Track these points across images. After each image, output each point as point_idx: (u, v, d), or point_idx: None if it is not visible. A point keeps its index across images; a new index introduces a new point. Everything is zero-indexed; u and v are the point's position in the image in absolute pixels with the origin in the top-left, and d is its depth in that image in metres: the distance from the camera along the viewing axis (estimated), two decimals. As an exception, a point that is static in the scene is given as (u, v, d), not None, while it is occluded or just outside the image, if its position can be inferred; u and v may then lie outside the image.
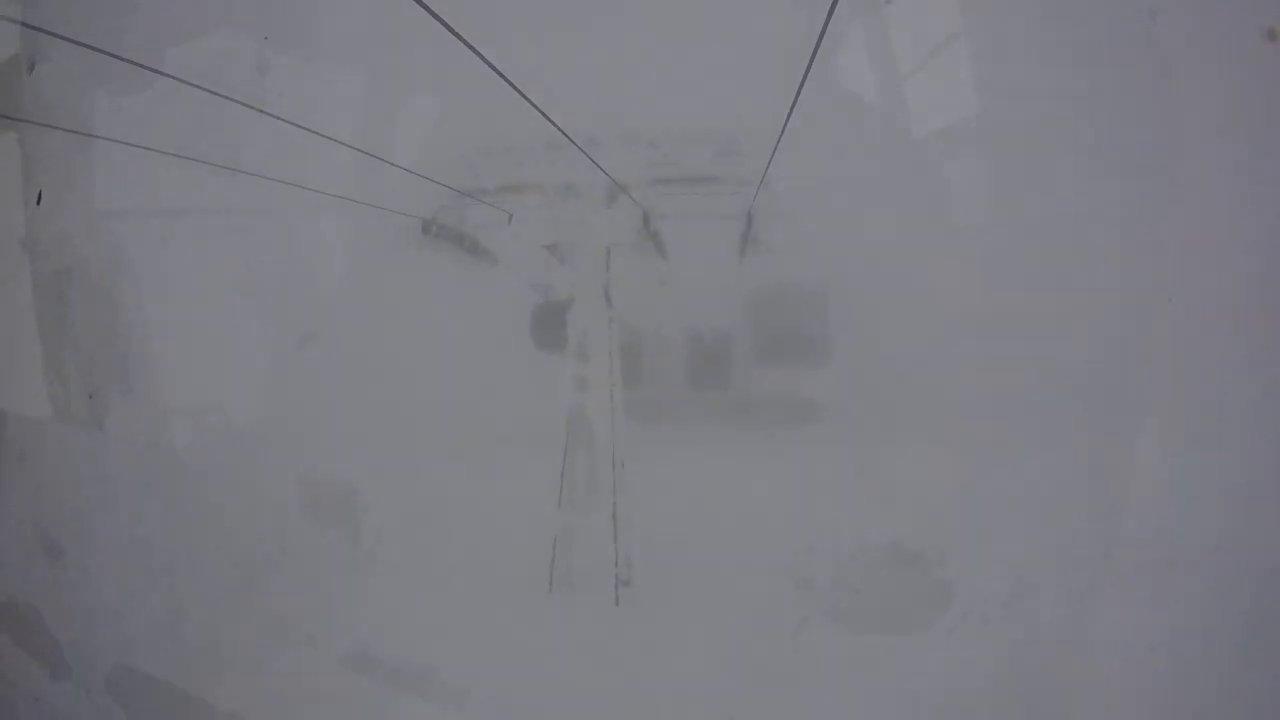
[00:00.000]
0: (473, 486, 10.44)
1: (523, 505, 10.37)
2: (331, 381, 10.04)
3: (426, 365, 10.31)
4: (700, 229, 10.49)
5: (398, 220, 10.35)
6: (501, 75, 5.37)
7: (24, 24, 9.52)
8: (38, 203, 9.74)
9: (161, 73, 7.84)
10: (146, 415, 9.88)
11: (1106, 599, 8.67)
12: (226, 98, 7.92)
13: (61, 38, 8.64)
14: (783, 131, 7.25)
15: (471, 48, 4.89)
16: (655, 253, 10.89)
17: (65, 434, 9.56)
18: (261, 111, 8.37)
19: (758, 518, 10.79)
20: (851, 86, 10.17)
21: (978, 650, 9.10)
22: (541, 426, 10.40)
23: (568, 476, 10.17)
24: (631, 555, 10.64)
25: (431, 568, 10.13)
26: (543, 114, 6.81)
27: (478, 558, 10.33)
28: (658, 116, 10.36)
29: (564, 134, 7.66)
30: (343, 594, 9.76)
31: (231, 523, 9.80)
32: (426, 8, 3.90)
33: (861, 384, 11.91)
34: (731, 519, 10.72)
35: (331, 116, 10.26)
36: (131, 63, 7.03)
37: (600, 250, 10.33)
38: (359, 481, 9.94)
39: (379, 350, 10.11)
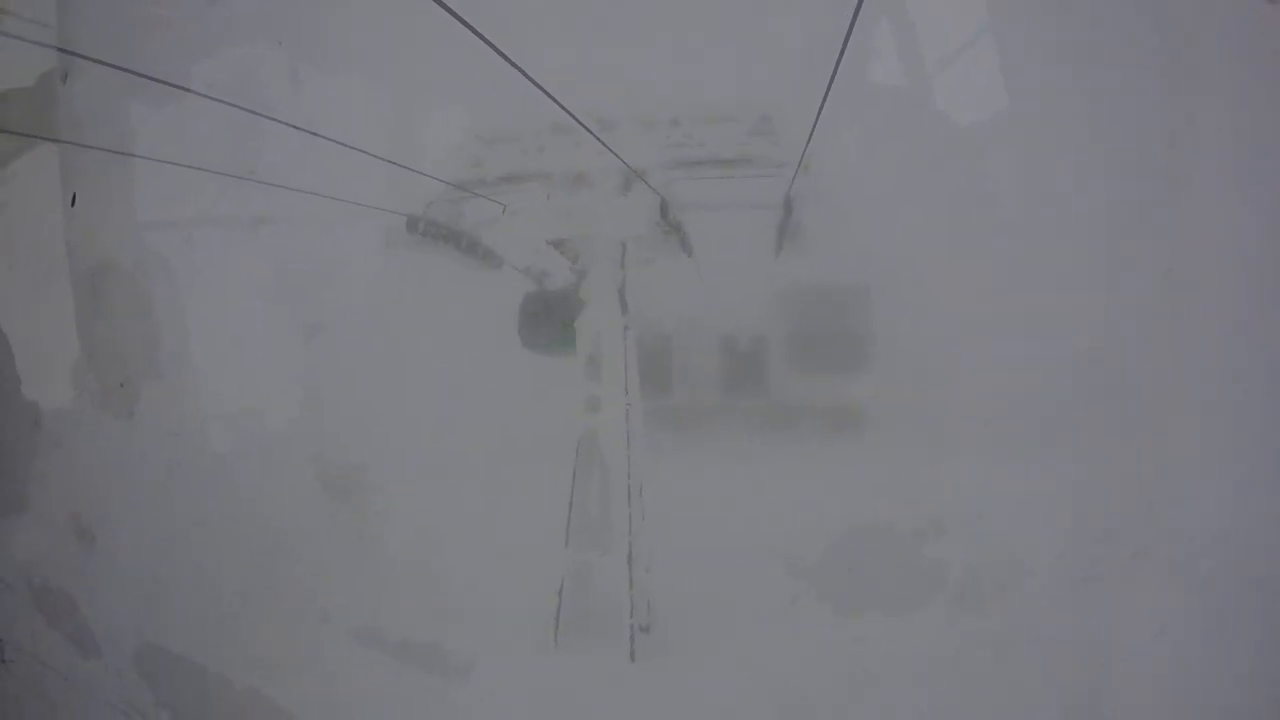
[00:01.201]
0: (470, 523, 9.96)
1: (525, 543, 9.64)
2: (337, 376, 10.22)
3: (414, 375, 10.33)
4: (731, 219, 9.57)
5: (387, 219, 9.66)
6: (495, 49, 4.74)
7: (59, 49, 10.08)
8: (72, 204, 10.34)
9: (177, 86, 8.27)
10: (174, 403, 10.31)
11: (1116, 584, 8.76)
12: (242, 108, 8.27)
13: (89, 59, 9.21)
14: (822, 106, 6.25)
15: (461, 20, 4.37)
16: (679, 248, 9.94)
17: (98, 422, 10.06)
18: (290, 125, 8.63)
19: (799, 545, 10.27)
20: (897, 57, 9.52)
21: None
22: (546, 451, 9.56)
23: (577, 510, 9.20)
24: (652, 597, 9.70)
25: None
26: (544, 91, 5.98)
27: (474, 607, 9.75)
28: (680, 92, 9.51)
29: (569, 113, 6.78)
30: (354, 572, 9.96)
31: (252, 506, 10.15)
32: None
33: (908, 389, 11.75)
34: (770, 548, 10.19)
35: (322, 108, 10.11)
36: (152, 79, 7.60)
37: (615, 246, 9.37)
38: (371, 467, 10.07)
39: (371, 351, 10.15)
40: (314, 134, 8.73)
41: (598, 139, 7.79)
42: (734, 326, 16.80)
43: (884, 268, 11.17)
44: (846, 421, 14.66)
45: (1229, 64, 8.55)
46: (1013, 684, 8.98)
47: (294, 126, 8.67)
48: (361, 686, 9.86)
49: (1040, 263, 9.79)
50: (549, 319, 9.70)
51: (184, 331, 10.37)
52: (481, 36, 4.63)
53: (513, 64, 4.86)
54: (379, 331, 10.12)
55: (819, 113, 6.64)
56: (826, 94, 5.97)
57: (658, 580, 9.51)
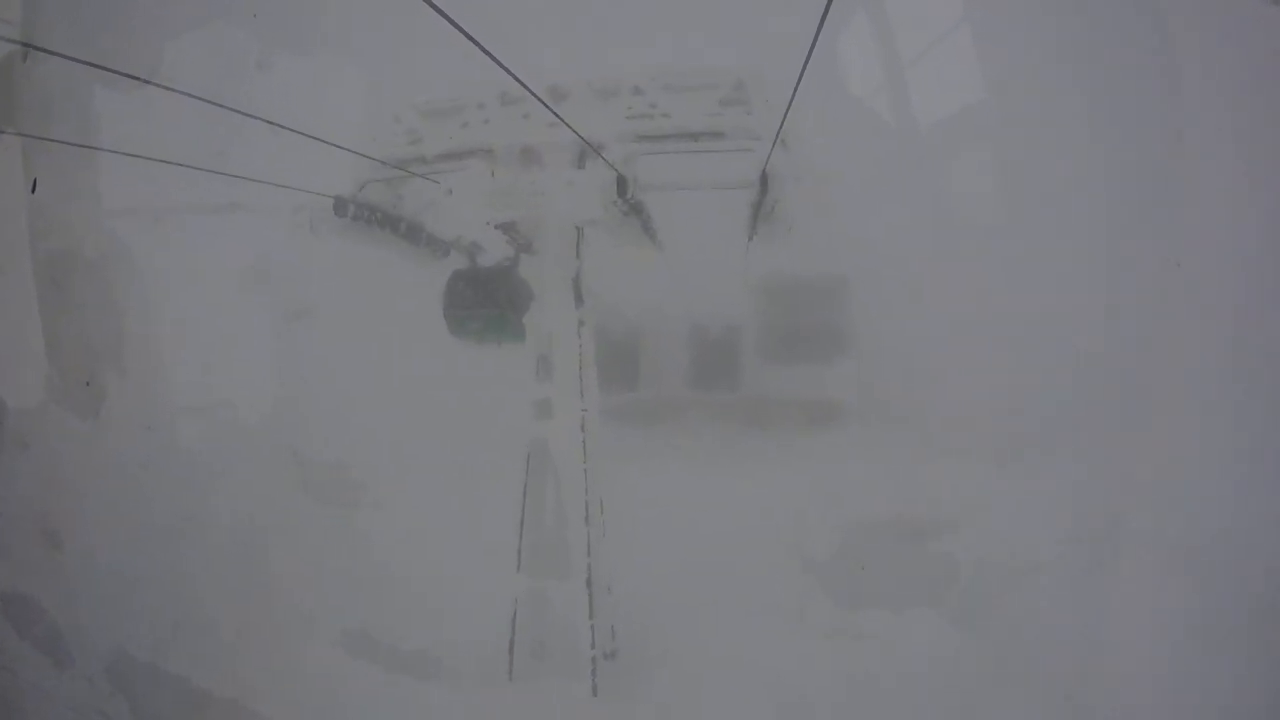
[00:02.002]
0: (417, 542, 9.43)
1: (473, 568, 8.97)
2: (314, 368, 9.94)
3: (384, 368, 9.76)
4: (699, 200, 8.81)
5: (314, 203, 8.93)
6: (434, 6, 4.02)
7: (24, 44, 9.85)
8: (32, 190, 10.05)
9: (137, 78, 7.77)
10: (142, 400, 10.03)
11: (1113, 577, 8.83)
12: (206, 101, 7.63)
13: (54, 54, 8.89)
14: (803, 72, 5.57)
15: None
16: (642, 232, 9.29)
17: (65, 421, 9.89)
18: (253, 116, 8.06)
19: (777, 554, 9.98)
20: (890, 22, 8.93)
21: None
22: (495, 462, 8.91)
23: (529, 530, 8.38)
24: (616, 621, 8.88)
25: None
26: (489, 54, 5.24)
27: (421, 639, 9.22)
28: (642, 56, 8.61)
29: (517, 79, 5.99)
30: (339, 575, 9.71)
31: (229, 506, 9.96)
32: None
33: (886, 381, 12.01)
34: (745, 559, 9.82)
35: (247, 82, 9.78)
36: (120, 73, 7.32)
37: (568, 230, 8.50)
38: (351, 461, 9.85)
39: (347, 343, 9.81)
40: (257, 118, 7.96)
41: (549, 109, 6.96)
42: (705, 315, 16.69)
43: (865, 256, 11.13)
44: (826, 416, 15.26)
45: (1229, 63, 8.56)
46: (1006, 683, 8.86)
47: (263, 119, 8.04)
48: (349, 696, 9.49)
49: (1031, 254, 9.79)
50: (480, 301, 8.95)
51: (152, 325, 10.00)
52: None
53: (454, 24, 4.15)
54: (355, 322, 9.66)
55: (799, 80, 5.91)
56: (808, 59, 5.22)
57: (622, 602, 8.85)
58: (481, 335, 8.99)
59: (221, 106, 7.85)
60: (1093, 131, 8.97)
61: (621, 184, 7.90)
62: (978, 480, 9.97)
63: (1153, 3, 8.72)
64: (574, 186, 8.10)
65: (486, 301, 8.81)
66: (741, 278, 13.28)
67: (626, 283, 11.49)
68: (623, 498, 9.08)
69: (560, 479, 8.18)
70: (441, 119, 9.44)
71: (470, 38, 4.73)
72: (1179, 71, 8.71)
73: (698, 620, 9.36)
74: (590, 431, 8.24)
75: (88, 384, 9.82)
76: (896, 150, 9.11)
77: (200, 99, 7.84)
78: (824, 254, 10.61)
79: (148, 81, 8.12)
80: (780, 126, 6.74)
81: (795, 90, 6.11)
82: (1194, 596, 8.67)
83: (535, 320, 8.35)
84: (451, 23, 4.36)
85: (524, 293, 9.44)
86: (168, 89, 7.77)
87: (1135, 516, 9.01)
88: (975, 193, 10.48)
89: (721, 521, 10.30)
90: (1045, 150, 9.13)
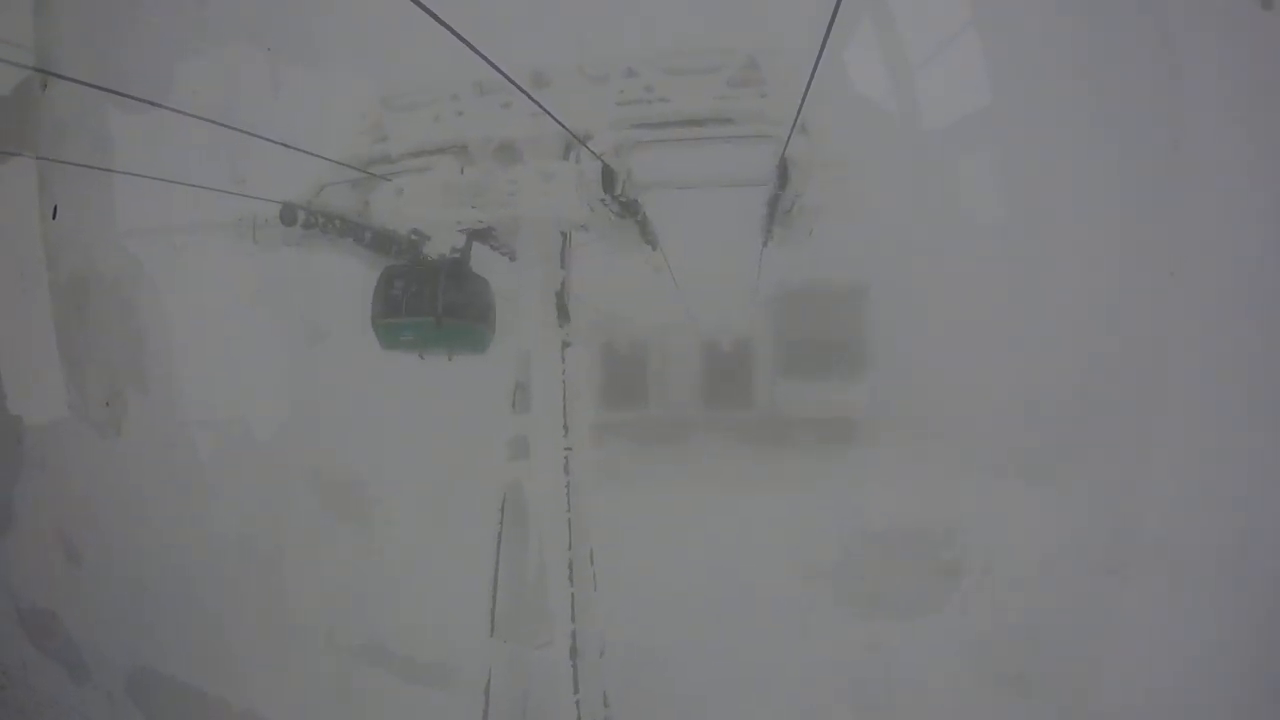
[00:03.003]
0: (386, 601, 9.43)
1: (445, 628, 8.43)
2: (334, 386, 10.34)
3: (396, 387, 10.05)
4: (706, 199, 7.80)
5: (259, 210, 8.29)
6: None
7: (36, 69, 10.20)
8: (53, 217, 10.42)
9: (148, 101, 7.79)
10: (163, 420, 10.48)
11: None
12: (210, 121, 7.55)
13: (66, 79, 8.94)
14: (824, 45, 4.65)
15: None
16: (639, 237, 8.08)
17: (84, 440, 10.24)
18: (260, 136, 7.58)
19: (793, 594, 10.36)
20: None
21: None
22: (465, 507, 8.31)
23: (504, 588, 7.12)
24: (609, 687, 7.79)
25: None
26: (457, 35, 4.40)
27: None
28: (638, 34, 7.85)
29: (492, 65, 5.08)
30: (358, 589, 10.00)
31: (248, 522, 10.29)
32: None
33: (906, 398, 13.41)
34: (759, 597, 10.09)
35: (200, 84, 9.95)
36: (127, 96, 6.74)
37: (551, 235, 7.34)
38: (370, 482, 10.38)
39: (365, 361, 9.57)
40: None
41: (529, 96, 6.02)
42: (713, 330, 16.83)
43: (888, 264, 12.41)
44: (843, 435, 14.91)
45: (1226, 67, 9.09)
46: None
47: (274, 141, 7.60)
48: (367, 708, 9.59)
49: (1056, 268, 10.70)
50: (416, 305, 7.93)
51: (172, 343, 10.45)
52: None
53: (422, 5, 3.74)
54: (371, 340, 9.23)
55: (820, 53, 4.97)
56: (828, 30, 4.30)
57: (616, 664, 7.92)
58: (420, 347, 8.07)
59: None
60: (1102, 140, 9.69)
61: (608, 177, 6.67)
62: (1007, 500, 10.94)
63: (1154, 11, 9.27)
64: (558, 184, 6.87)
65: (424, 305, 7.79)
66: (754, 289, 12.49)
67: (624, 295, 11.31)
68: (619, 542, 8.38)
69: (539, 531, 6.91)
70: (410, 112, 8.55)
71: (440, 20, 3.95)
72: (1179, 80, 9.31)
73: (705, 681, 9.14)
74: (576, 474, 7.06)
75: (108, 404, 10.22)
76: (914, 157, 9.54)
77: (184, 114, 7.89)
78: (846, 260, 11.80)
79: (154, 103, 8.08)
80: (800, 107, 5.75)
81: (816, 66, 5.16)
82: (1203, 603, 8.91)
83: (511, 341, 7.27)
84: (419, 4, 3.60)
85: (481, 293, 8.62)
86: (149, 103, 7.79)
87: (1141, 526, 9.62)
88: (999, 204, 11.52)
89: (733, 564, 10.56)
90: (1068, 164, 9.96)
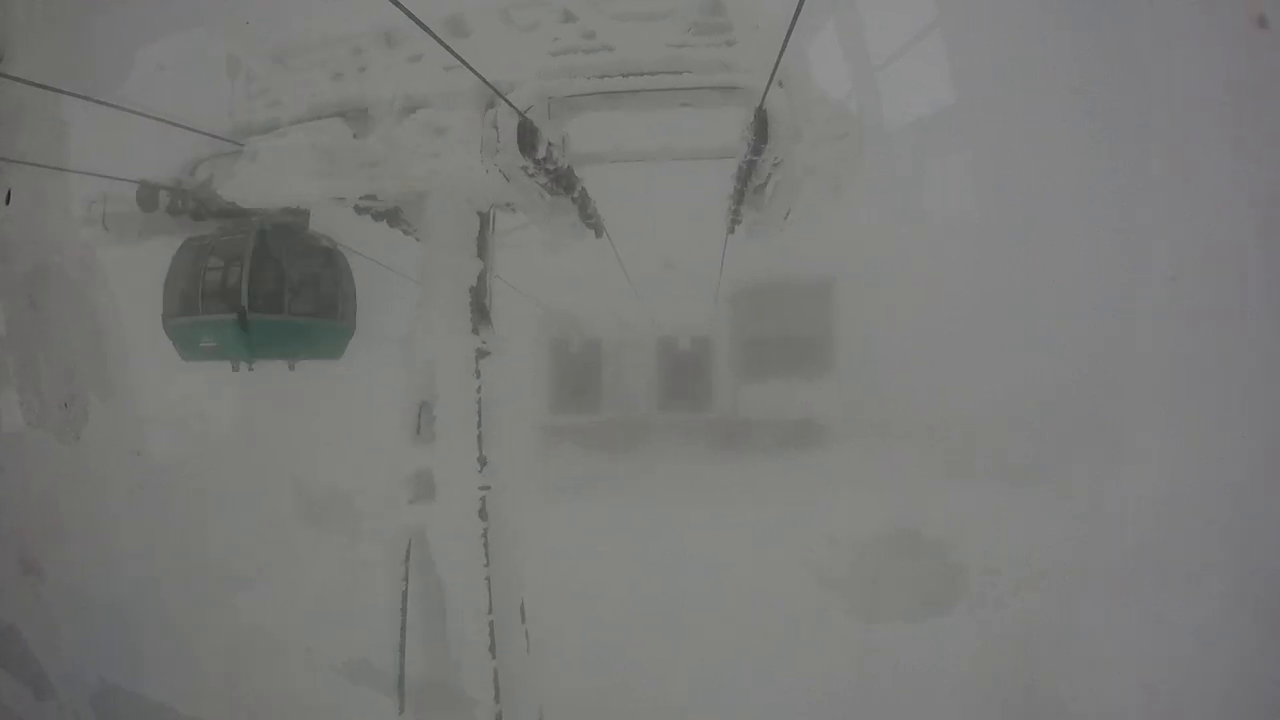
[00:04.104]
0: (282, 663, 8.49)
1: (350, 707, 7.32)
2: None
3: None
4: (661, 171, 6.63)
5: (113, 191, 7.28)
6: None
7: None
8: (6, 202, 9.32)
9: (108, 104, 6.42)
10: (126, 423, 9.87)
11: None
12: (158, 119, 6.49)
13: (30, 83, 7.26)
14: None
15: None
16: (580, 220, 6.78)
17: (42, 445, 9.44)
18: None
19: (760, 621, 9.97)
20: None
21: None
22: (365, 558, 7.24)
23: (411, 657, 5.77)
24: None
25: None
26: None
27: None
28: None
29: (399, 6, 3.89)
30: (338, 605, 9.29)
31: (218, 532, 9.90)
32: None
33: (870, 395, 14.14)
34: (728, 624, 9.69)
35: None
36: (92, 99, 6.31)
37: (465, 216, 5.80)
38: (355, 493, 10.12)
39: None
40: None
41: (441, 42, 4.74)
42: (670, 329, 16.49)
43: (861, 256, 12.54)
44: (809, 438, 14.82)
45: (1216, 83, 9.21)
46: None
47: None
48: None
49: (1036, 264, 10.99)
50: (217, 295, 6.51)
51: (132, 343, 9.66)
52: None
53: None
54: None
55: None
56: None
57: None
58: (227, 355, 6.58)
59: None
60: (1092, 143, 10.05)
61: (526, 135, 5.23)
62: (984, 505, 11.27)
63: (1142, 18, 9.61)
64: (470, 149, 5.43)
65: (226, 297, 6.28)
66: (716, 283, 11.83)
67: (564, 289, 10.64)
68: (560, 584, 7.42)
69: (449, 589, 5.52)
70: (306, 72, 7.24)
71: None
72: (1171, 87, 9.57)
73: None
74: (499, 515, 5.62)
75: (65, 405, 9.41)
76: (885, 151, 9.70)
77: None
78: (821, 249, 12.00)
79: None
80: (785, 43, 4.55)
81: (796, 15, 3.98)
82: (1205, 584, 8.82)
83: (414, 353, 5.65)
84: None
85: (324, 274, 7.18)
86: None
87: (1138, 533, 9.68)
88: (977, 196, 12.03)
89: (696, 597, 9.74)
90: (1046, 157, 10.31)
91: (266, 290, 6.31)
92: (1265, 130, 9.06)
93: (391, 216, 6.77)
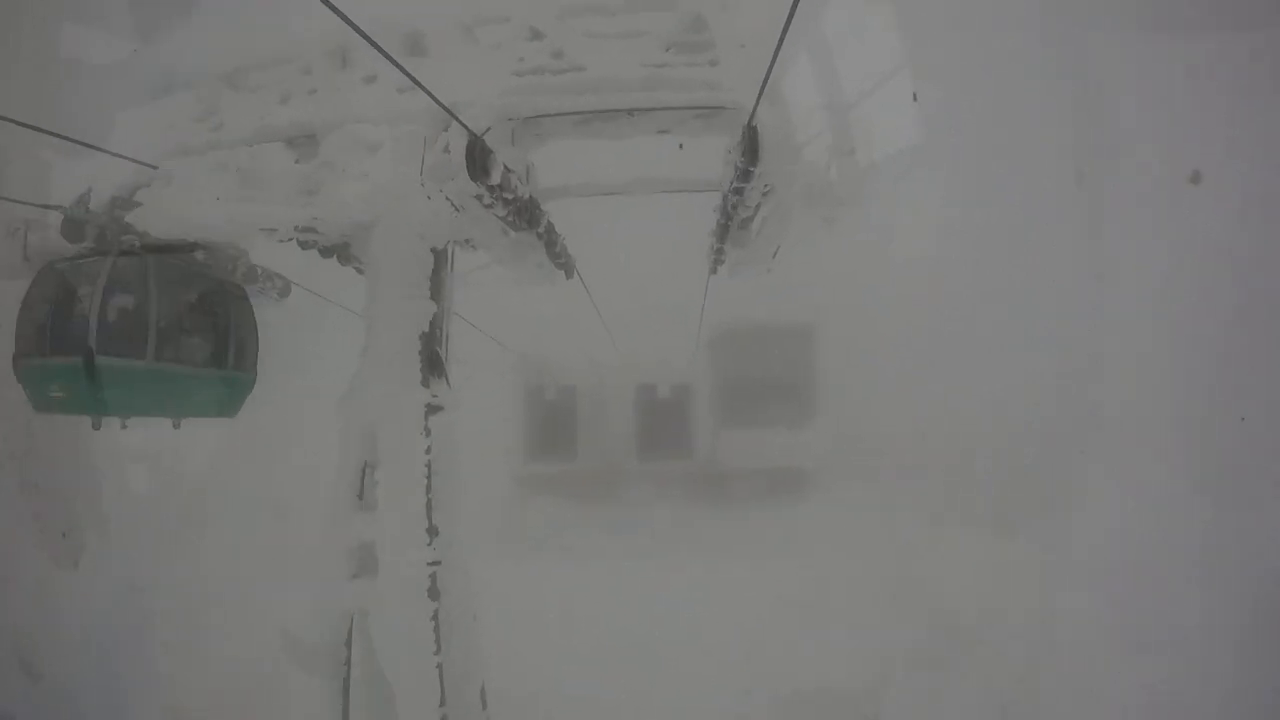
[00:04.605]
0: None
1: None
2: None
3: None
4: (637, 205, 6.07)
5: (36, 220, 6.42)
6: None
7: None
8: None
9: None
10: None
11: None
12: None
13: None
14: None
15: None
16: (547, 258, 6.35)
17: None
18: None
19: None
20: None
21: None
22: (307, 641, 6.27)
23: None
24: None
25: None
26: None
27: None
28: None
29: (354, 27, 3.38)
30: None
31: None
32: None
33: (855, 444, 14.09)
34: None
35: None
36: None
37: (415, 252, 5.08)
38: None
39: None
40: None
41: (395, 64, 4.19)
42: (652, 373, 16.04)
43: (835, 302, 12.99)
44: (792, 486, 14.91)
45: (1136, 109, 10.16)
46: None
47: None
48: None
49: (1024, 311, 11.65)
50: (66, 334, 5.56)
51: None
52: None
53: None
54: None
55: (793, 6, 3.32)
56: None
57: None
58: (78, 408, 5.57)
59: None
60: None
61: (476, 157, 4.55)
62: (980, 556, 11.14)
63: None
64: (413, 173, 4.87)
65: (75, 332, 5.30)
66: (696, 329, 11.39)
67: (532, 334, 10.14)
68: (526, 656, 6.74)
69: (396, 681, 4.76)
70: (254, 92, 6.69)
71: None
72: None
73: None
74: (452, 595, 4.87)
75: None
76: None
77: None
78: (804, 290, 12.28)
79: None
80: (767, 76, 4.05)
81: (786, 28, 3.48)
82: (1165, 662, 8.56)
83: (354, 410, 4.96)
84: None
85: (208, 308, 6.19)
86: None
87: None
88: (958, 230, 11.90)
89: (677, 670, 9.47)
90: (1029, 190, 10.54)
91: (124, 328, 5.31)
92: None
93: (341, 252, 6.17)
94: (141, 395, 5.50)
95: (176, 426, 6.25)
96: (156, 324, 5.45)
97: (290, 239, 5.60)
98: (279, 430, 9.84)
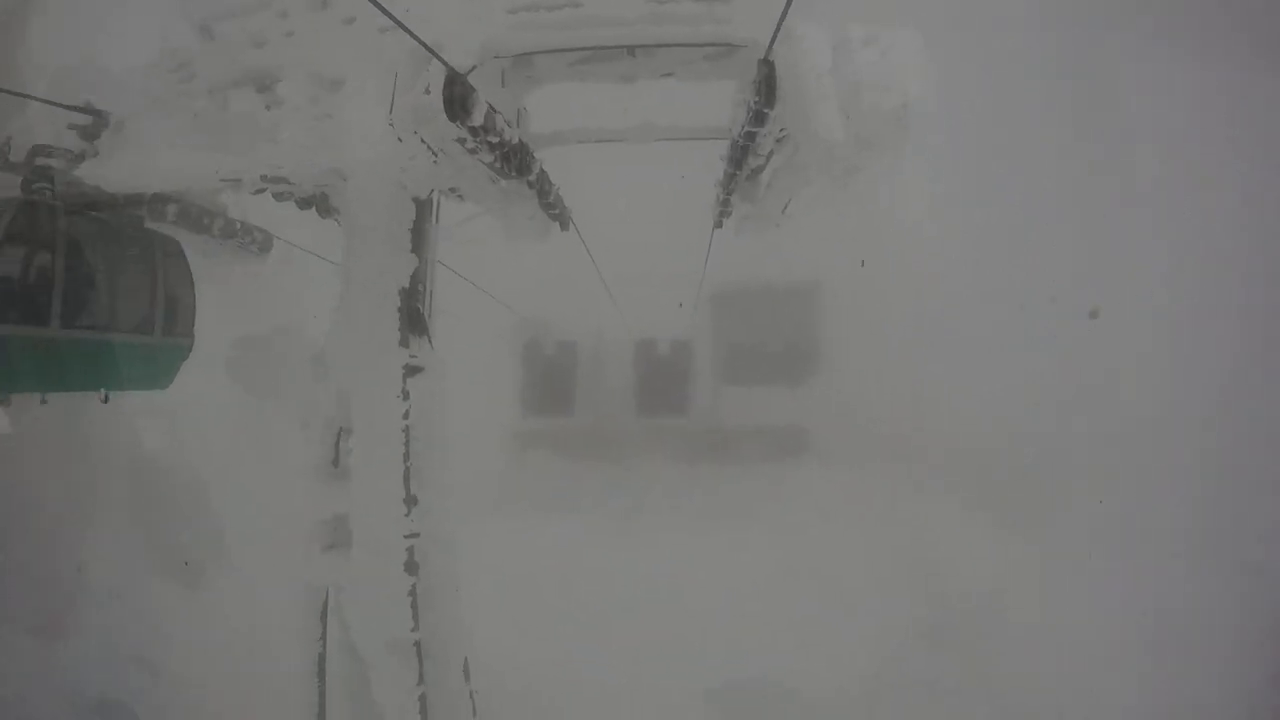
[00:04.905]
0: None
1: None
2: None
3: None
4: (637, 153, 5.66)
5: None
6: None
7: None
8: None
9: None
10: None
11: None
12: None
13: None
14: None
15: None
16: (542, 210, 5.75)
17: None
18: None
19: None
20: None
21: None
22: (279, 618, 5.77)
23: None
24: None
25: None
26: None
27: None
28: None
29: None
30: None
31: None
32: None
33: (854, 405, 13.87)
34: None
35: None
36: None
37: (394, 202, 4.64)
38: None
39: None
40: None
41: (384, 10, 3.77)
42: (652, 329, 15.55)
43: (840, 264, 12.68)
44: (791, 446, 14.90)
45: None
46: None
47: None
48: None
49: (1039, 272, 11.45)
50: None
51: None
52: None
53: None
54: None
55: None
56: None
57: None
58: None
59: None
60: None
61: (456, 96, 4.03)
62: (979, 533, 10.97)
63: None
64: (404, 122, 4.31)
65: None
66: (698, 286, 11.15)
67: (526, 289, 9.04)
68: (514, 627, 6.55)
69: (371, 660, 4.45)
70: (228, 40, 6.26)
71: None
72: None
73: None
74: (432, 567, 4.51)
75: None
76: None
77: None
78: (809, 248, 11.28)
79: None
80: (783, 15, 3.65)
81: None
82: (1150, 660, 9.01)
83: (326, 362, 4.56)
84: None
85: (148, 267, 5.67)
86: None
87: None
88: (975, 193, 12.11)
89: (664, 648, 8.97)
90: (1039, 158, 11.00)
91: (26, 290, 4.74)
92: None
93: (320, 204, 5.70)
94: (48, 368, 4.93)
95: (105, 400, 5.72)
96: (65, 285, 4.92)
97: (261, 190, 5.14)
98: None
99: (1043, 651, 9.16)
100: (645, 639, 9.00)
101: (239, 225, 7.17)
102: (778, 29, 3.36)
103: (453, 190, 5.10)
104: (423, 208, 4.80)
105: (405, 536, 4.43)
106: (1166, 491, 10.26)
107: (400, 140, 4.15)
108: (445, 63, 3.89)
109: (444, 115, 4.00)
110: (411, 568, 4.48)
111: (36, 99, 5.05)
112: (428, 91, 4.19)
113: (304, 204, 5.59)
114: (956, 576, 10.54)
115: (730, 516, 11.95)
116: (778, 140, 4.53)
